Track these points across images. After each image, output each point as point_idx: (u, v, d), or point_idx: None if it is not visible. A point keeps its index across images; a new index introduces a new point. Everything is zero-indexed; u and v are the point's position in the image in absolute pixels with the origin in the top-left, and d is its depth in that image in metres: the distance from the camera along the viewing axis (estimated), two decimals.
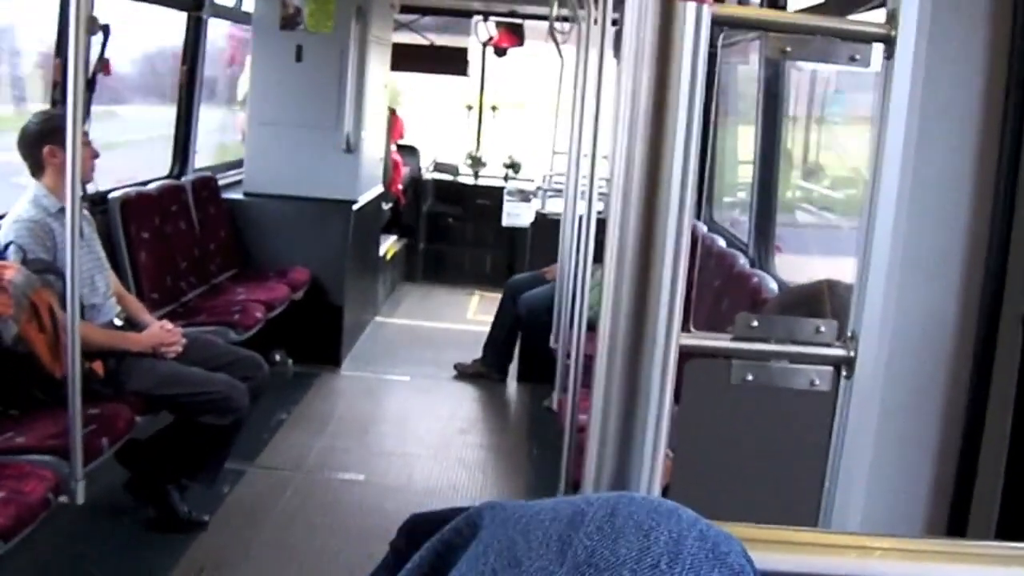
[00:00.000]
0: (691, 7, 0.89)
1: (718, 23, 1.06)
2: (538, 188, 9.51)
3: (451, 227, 11.54)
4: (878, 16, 1.62)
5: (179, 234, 6.68)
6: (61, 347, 4.00)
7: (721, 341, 1.66)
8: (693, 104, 0.83)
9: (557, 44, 6.96)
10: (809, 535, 0.93)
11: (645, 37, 0.85)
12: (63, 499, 3.77)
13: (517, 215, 10.41)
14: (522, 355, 7.79)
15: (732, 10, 1.16)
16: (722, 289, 5.70)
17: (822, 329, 1.62)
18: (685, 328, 1.53)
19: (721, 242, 6.44)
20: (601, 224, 2.65)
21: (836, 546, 0.92)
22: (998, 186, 1.73)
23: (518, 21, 10.65)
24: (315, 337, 7.73)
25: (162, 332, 4.92)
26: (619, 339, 0.85)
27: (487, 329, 8.01)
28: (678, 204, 0.82)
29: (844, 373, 1.70)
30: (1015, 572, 0.88)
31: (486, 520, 0.67)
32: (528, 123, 12.25)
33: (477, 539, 0.66)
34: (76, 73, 3.52)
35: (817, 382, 1.63)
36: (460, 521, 0.68)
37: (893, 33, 1.57)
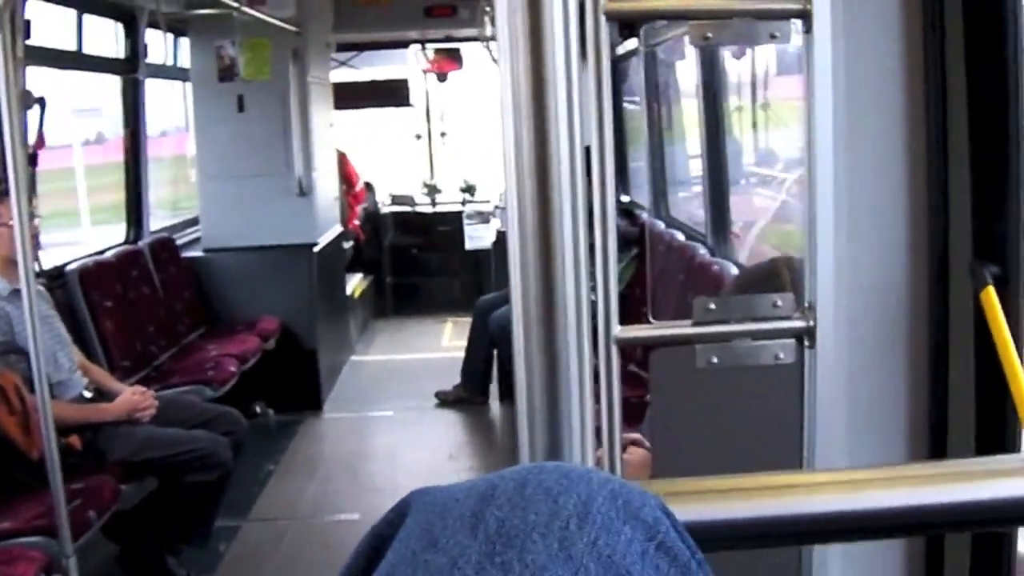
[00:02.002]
0: None
1: (611, 17, 1.08)
2: (496, 207, 9.53)
3: (415, 258, 11.53)
4: None
5: (143, 298, 6.65)
6: (33, 427, 3.99)
7: (682, 328, 1.68)
8: (573, 94, 0.84)
9: (496, 63, 6.99)
10: (754, 479, 0.93)
11: (516, 29, 0.86)
12: None
13: (479, 237, 10.43)
14: (500, 374, 7.80)
15: (624, 3, 1.18)
16: (686, 281, 5.73)
17: (779, 303, 1.64)
18: (645, 320, 1.54)
19: (680, 236, 6.47)
20: None
21: (785, 487, 0.93)
22: (930, 145, 1.76)
23: (455, 46, 10.68)
24: (293, 384, 7.70)
25: (134, 397, 4.89)
26: (533, 344, 0.86)
27: (463, 354, 8.02)
28: (570, 197, 0.84)
29: (806, 343, 1.71)
30: (989, 486, 0.89)
31: (412, 507, 0.67)
32: (480, 144, 12.26)
33: (404, 526, 0.66)
34: (15, 149, 3.50)
35: (781, 356, 1.64)
36: (391, 511, 0.69)
37: (809, 7, 1.59)
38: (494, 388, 7.88)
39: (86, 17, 6.32)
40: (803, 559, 1.65)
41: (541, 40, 0.81)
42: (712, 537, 0.88)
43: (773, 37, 1.56)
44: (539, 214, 0.82)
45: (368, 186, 11.29)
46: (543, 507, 0.61)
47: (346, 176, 9.93)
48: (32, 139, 5.11)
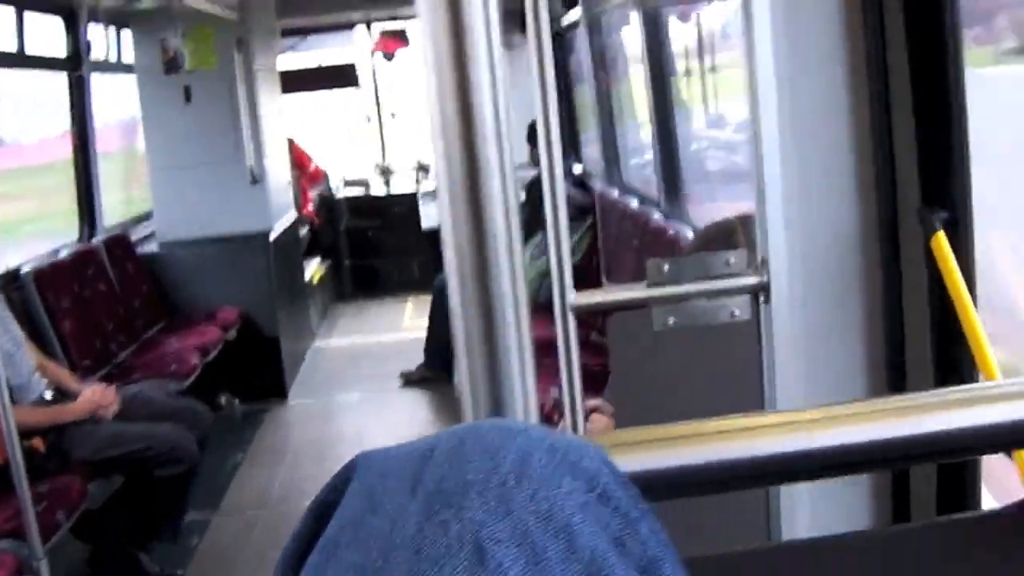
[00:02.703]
0: None
1: None
2: None
3: (372, 240, 11.51)
4: None
5: (100, 296, 6.60)
6: None
7: (637, 292, 1.68)
8: (496, 69, 0.83)
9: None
10: (712, 424, 0.94)
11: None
12: None
13: (435, 216, 10.39)
14: None
15: None
16: (641, 246, 5.75)
17: (732, 260, 1.65)
18: (598, 285, 1.54)
19: (635, 202, 6.49)
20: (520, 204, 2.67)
21: (745, 428, 0.94)
22: (872, 96, 1.77)
23: (401, 26, 10.64)
24: (257, 373, 7.68)
25: (95, 395, 4.86)
26: (472, 320, 0.86)
27: (425, 334, 8.02)
28: (497, 166, 0.83)
29: (762, 299, 1.73)
30: (950, 417, 0.90)
31: (357, 471, 0.67)
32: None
33: (347, 491, 0.66)
34: None
35: (737, 312, 1.65)
36: (335, 477, 0.69)
37: None
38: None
39: (26, 14, 6.25)
40: (770, 500, 1.66)
41: (460, 13, 0.81)
42: (674, 484, 0.89)
43: None
44: (467, 184, 0.82)
45: (321, 171, 11.25)
46: (481, 464, 0.61)
47: (297, 161, 9.88)
48: None
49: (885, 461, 1.01)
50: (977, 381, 1.70)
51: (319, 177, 10.74)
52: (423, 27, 0.82)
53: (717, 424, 0.94)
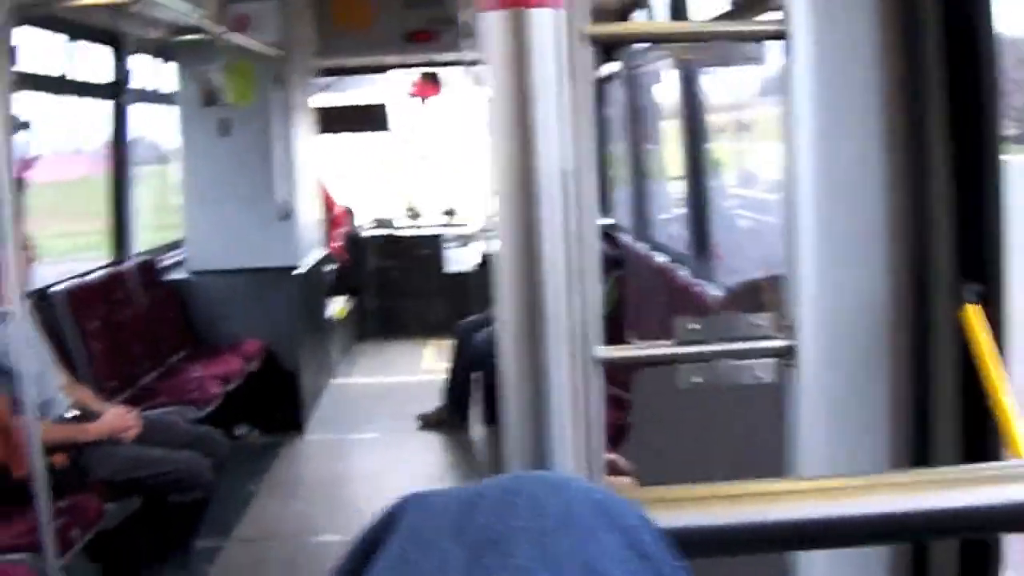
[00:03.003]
0: (545, 15, 0.92)
1: (592, 41, 1.10)
2: (481, 230, 9.55)
3: (396, 281, 11.53)
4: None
5: (128, 320, 6.65)
6: (16, 446, 3.99)
7: (663, 348, 1.69)
8: (564, 115, 0.86)
9: (480, 85, 7.00)
10: (739, 487, 0.95)
11: (499, 49, 0.87)
12: None
13: (460, 260, 10.44)
14: (484, 396, 7.80)
15: (605, 26, 1.20)
16: (668, 302, 5.75)
17: (760, 323, 1.66)
18: (625, 340, 1.55)
19: (662, 258, 6.50)
20: None
21: (768, 494, 0.95)
22: (910, 163, 1.78)
23: (434, 71, 10.72)
24: (275, 406, 7.71)
25: (117, 417, 4.89)
26: (519, 356, 0.88)
27: (444, 377, 8.02)
28: (561, 215, 0.85)
29: (787, 362, 1.73)
30: (973, 493, 0.91)
31: (403, 512, 0.69)
32: (460, 167, 12.29)
33: (395, 530, 0.68)
34: (3, 174, 3.52)
35: (762, 375, 1.66)
36: (383, 515, 0.70)
37: (786, 28, 1.62)
38: (476, 411, 7.89)
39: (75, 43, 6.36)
40: (788, 564, 1.66)
41: (525, 62, 0.83)
42: (697, 543, 0.90)
43: (751, 59, 1.59)
44: (524, 235, 0.84)
45: (348, 210, 11.30)
46: (527, 513, 0.63)
47: (323, 203, 9.94)
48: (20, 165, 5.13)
49: (906, 533, 1.02)
50: (1004, 459, 1.71)
51: (341, 223, 10.78)
52: (490, 70, 0.84)
53: (740, 487, 0.95)
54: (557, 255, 0.87)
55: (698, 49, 1.57)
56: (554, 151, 0.86)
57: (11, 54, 4.91)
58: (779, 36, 1.60)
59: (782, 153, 1.67)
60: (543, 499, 0.64)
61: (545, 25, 0.93)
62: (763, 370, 1.67)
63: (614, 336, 1.76)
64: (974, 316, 1.72)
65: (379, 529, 0.69)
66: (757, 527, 0.91)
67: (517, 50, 0.88)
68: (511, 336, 0.86)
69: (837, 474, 1.51)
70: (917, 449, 1.85)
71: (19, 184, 5.14)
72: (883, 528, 0.93)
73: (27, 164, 5.25)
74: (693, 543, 0.90)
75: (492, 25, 0.89)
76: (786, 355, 1.72)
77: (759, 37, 1.59)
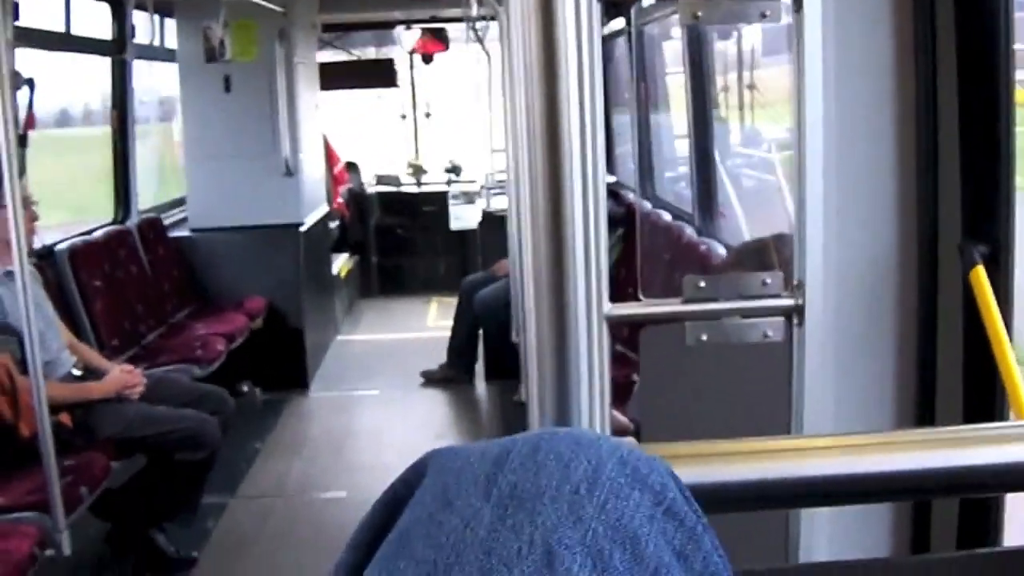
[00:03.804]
0: None
1: None
2: (482, 188, 9.53)
3: (400, 238, 11.53)
4: None
5: (131, 278, 6.66)
6: (23, 406, 4.00)
7: (671, 306, 1.69)
8: (583, 72, 0.86)
9: (481, 43, 6.98)
10: (747, 444, 0.95)
11: (529, 9, 0.88)
12: (49, 552, 3.77)
13: (464, 217, 10.43)
14: (486, 353, 7.82)
15: None
16: (673, 260, 5.76)
17: (768, 281, 1.66)
18: (635, 298, 1.56)
19: (667, 216, 6.50)
20: None
21: (778, 450, 0.95)
22: (919, 125, 1.78)
23: (441, 26, 10.67)
24: (279, 363, 7.72)
25: (123, 375, 4.90)
26: (542, 316, 0.88)
27: (448, 334, 8.04)
28: (582, 176, 0.86)
29: (795, 321, 1.73)
30: (977, 452, 0.91)
31: (429, 468, 0.69)
32: (464, 124, 12.26)
33: (420, 487, 0.68)
34: (6, 131, 3.51)
35: (770, 333, 1.66)
36: (408, 471, 0.71)
37: None
38: (480, 367, 7.91)
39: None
40: (791, 523, 1.67)
41: (551, 19, 0.83)
42: (702, 499, 0.91)
43: (763, 16, 1.58)
44: (550, 191, 0.84)
45: (353, 166, 11.27)
46: (554, 472, 0.63)
47: (326, 158, 9.92)
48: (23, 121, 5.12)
49: (908, 492, 1.02)
50: (1007, 418, 1.71)
51: (345, 180, 10.76)
52: (513, 21, 0.84)
53: (746, 444, 0.96)
54: (578, 211, 0.88)
55: (708, 7, 1.56)
56: (575, 108, 0.86)
57: (13, 9, 4.90)
58: None
59: (792, 112, 1.66)
60: (570, 457, 0.64)
61: None
62: (771, 328, 1.68)
63: (616, 294, 1.75)
64: (980, 277, 1.72)
65: (406, 482, 0.70)
66: (762, 484, 0.92)
67: (543, 6, 0.88)
68: (535, 292, 0.86)
69: (842, 432, 1.52)
70: (922, 407, 1.86)
71: (21, 141, 5.14)
72: (887, 486, 0.93)
73: (29, 121, 5.23)
74: (698, 499, 0.90)
75: None
76: (794, 314, 1.72)
77: None
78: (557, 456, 0.65)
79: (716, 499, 0.92)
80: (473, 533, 0.61)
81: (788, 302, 1.68)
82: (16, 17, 5.09)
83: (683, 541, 0.63)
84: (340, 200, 10.38)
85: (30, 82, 5.09)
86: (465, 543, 0.61)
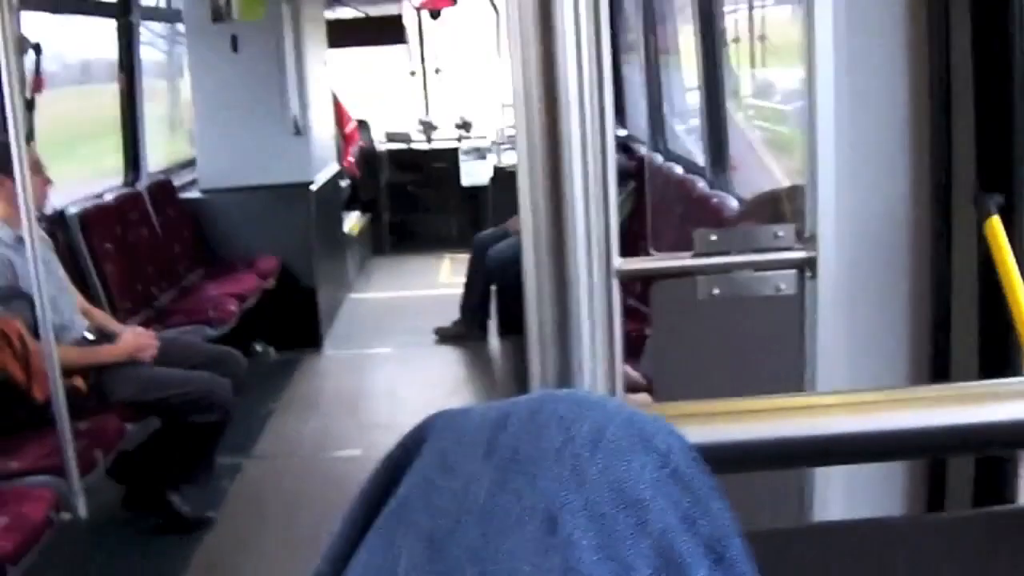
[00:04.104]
0: None
1: None
2: (493, 143, 9.50)
3: (412, 195, 11.51)
4: None
5: (142, 240, 6.66)
6: (36, 371, 4.01)
7: (682, 260, 1.68)
8: (581, 21, 0.84)
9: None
10: (768, 401, 0.94)
11: None
12: (66, 516, 3.78)
13: (476, 173, 10.41)
14: (499, 310, 7.82)
15: None
16: (684, 213, 5.73)
17: (780, 234, 1.64)
18: (646, 252, 1.54)
19: (678, 169, 6.46)
20: None
21: (789, 408, 0.94)
22: (933, 75, 1.75)
23: None
24: (292, 322, 7.73)
25: (136, 338, 4.91)
26: (543, 269, 0.87)
27: (461, 291, 8.04)
28: (579, 129, 0.84)
29: (808, 274, 1.71)
30: (994, 409, 0.90)
31: (430, 432, 0.68)
32: (474, 80, 12.20)
33: (420, 452, 0.67)
34: (13, 95, 3.49)
35: (782, 286, 1.64)
36: (407, 437, 0.69)
37: None
38: (493, 324, 7.91)
39: None
40: (806, 482, 1.66)
41: None
42: (715, 459, 0.89)
43: None
44: (548, 143, 0.83)
45: (363, 124, 11.24)
46: (556, 434, 0.62)
47: (336, 117, 9.88)
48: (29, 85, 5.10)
49: (923, 450, 1.01)
50: None
51: (355, 138, 10.72)
52: None
53: (758, 403, 0.94)
54: (577, 166, 0.86)
55: None
56: (574, 58, 0.84)
57: None
58: None
59: (803, 63, 1.64)
60: (572, 419, 0.63)
61: None
62: (783, 281, 1.66)
63: (628, 247, 1.74)
64: (996, 228, 1.70)
65: (405, 448, 0.68)
66: (775, 443, 0.90)
67: None
68: (535, 249, 0.85)
69: (856, 388, 1.50)
70: (937, 361, 1.84)
71: (29, 105, 5.12)
72: (902, 444, 0.92)
73: (37, 84, 5.21)
74: (711, 459, 0.89)
75: None
76: (807, 266, 1.71)
77: None
78: (558, 418, 0.63)
79: (728, 459, 0.91)
80: (472, 498, 0.60)
81: (800, 254, 1.67)
82: None
83: (690, 504, 0.61)
84: (351, 159, 10.35)
85: (36, 46, 5.06)
86: (464, 509, 0.60)
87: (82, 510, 3.79)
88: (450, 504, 0.61)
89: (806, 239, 1.69)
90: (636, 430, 0.63)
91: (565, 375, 0.88)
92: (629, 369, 2.98)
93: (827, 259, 1.68)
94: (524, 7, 0.80)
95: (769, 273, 1.65)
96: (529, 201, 0.85)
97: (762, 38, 6.43)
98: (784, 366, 1.86)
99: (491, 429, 0.64)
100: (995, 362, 1.80)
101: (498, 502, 0.59)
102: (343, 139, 9.99)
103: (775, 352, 1.86)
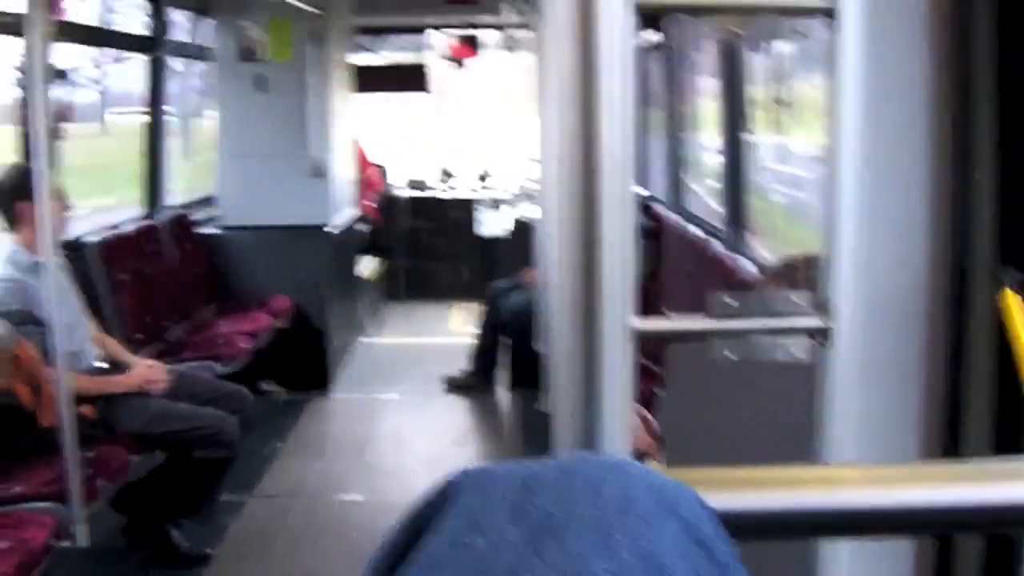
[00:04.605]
0: None
1: (643, 10, 1.09)
2: (514, 195, 9.54)
3: (428, 242, 11.53)
4: None
5: (158, 273, 6.69)
6: (46, 396, 4.03)
7: (698, 322, 1.68)
8: (618, 85, 0.85)
9: (516, 52, 6.96)
10: (784, 472, 0.94)
11: (566, 19, 0.87)
12: (66, 543, 3.78)
13: (492, 224, 10.44)
14: (510, 361, 7.82)
15: None
16: (699, 274, 5.74)
17: (796, 300, 1.65)
18: (660, 312, 1.54)
19: (696, 230, 6.48)
20: None
21: (804, 480, 0.94)
22: (954, 146, 1.76)
23: (472, 33, 10.68)
24: (302, 363, 7.74)
25: (147, 370, 4.93)
26: (572, 327, 0.88)
27: (471, 340, 8.04)
28: (615, 188, 0.85)
29: (822, 342, 1.72)
30: (1007, 488, 0.90)
31: (456, 489, 0.68)
32: (493, 130, 12.27)
33: (447, 509, 0.67)
34: (38, 124, 3.52)
35: (797, 353, 1.65)
36: (432, 492, 0.70)
37: (835, 4, 1.60)
38: (503, 375, 7.91)
39: None
40: (812, 553, 1.65)
41: (591, 32, 0.83)
42: (729, 526, 0.89)
43: (798, 33, 1.56)
44: (583, 202, 0.84)
45: (382, 169, 11.30)
46: (584, 498, 0.63)
47: (357, 161, 9.92)
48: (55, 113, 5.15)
49: (935, 526, 1.01)
50: None
51: (374, 182, 10.75)
52: (550, 29, 0.84)
53: (772, 472, 0.94)
54: (608, 223, 0.87)
55: (744, 22, 1.55)
56: (615, 120, 0.86)
57: (52, 4, 4.93)
58: (827, 12, 1.57)
59: (825, 131, 1.65)
60: (600, 484, 0.64)
61: None
62: (798, 348, 1.66)
63: (645, 307, 1.74)
64: (1013, 302, 1.70)
65: (431, 504, 0.68)
66: (788, 514, 0.90)
67: (584, 19, 0.88)
68: (563, 305, 0.85)
69: (867, 458, 1.50)
70: (948, 437, 1.84)
71: (54, 134, 5.16)
72: (914, 520, 0.92)
73: (63, 113, 5.26)
74: (726, 526, 0.89)
75: None
76: (821, 335, 1.71)
77: (806, 12, 1.57)
78: (587, 482, 0.64)
79: (740, 527, 0.91)
80: (502, 560, 0.61)
81: (815, 322, 1.67)
82: (56, 11, 5.12)
83: (712, 572, 0.62)
84: (369, 203, 10.38)
85: (65, 75, 5.11)
86: (492, 568, 0.60)
87: (82, 539, 3.78)
88: (479, 564, 0.61)
89: (822, 307, 1.69)
90: (663, 496, 0.64)
91: (589, 434, 0.88)
92: (645, 413, 2.99)
93: (842, 328, 1.68)
94: (564, 70, 0.82)
95: (784, 339, 1.65)
96: (560, 255, 0.86)
97: (784, 103, 6.45)
98: (795, 432, 1.86)
99: (520, 489, 0.65)
100: (1009, 440, 1.79)
101: (526, 563, 0.60)
102: (363, 183, 10.03)
103: (786, 417, 1.86)
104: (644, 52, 7.98)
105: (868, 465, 0.92)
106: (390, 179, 11.55)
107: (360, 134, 10.12)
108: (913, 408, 1.80)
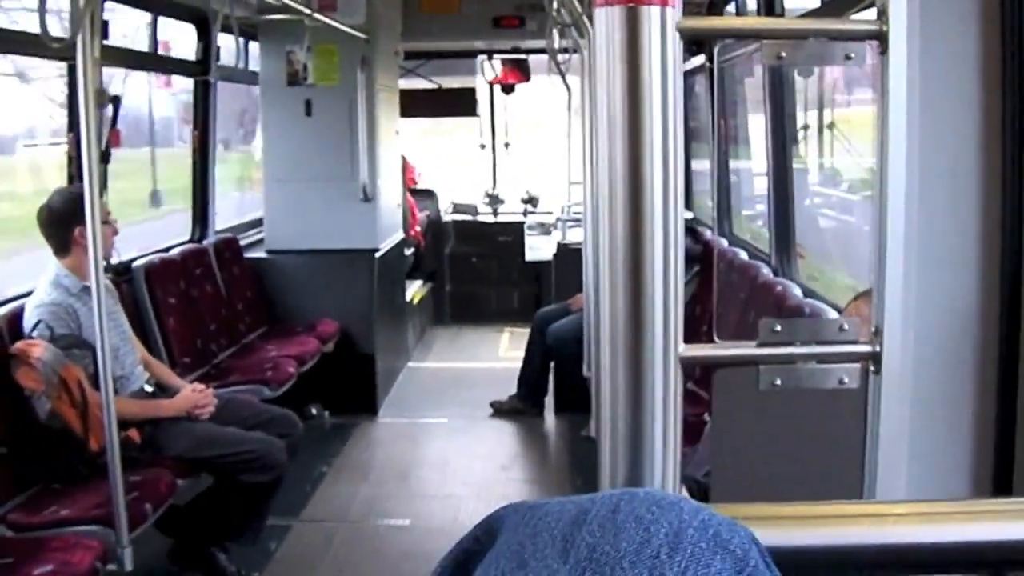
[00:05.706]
0: (655, 11, 0.91)
1: (684, 35, 1.08)
2: (557, 219, 9.53)
3: (475, 267, 11.54)
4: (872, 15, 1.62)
5: (205, 297, 6.73)
6: (93, 420, 4.05)
7: (746, 349, 1.66)
8: (667, 108, 0.84)
9: (563, 75, 6.96)
10: (834, 507, 0.92)
11: (614, 44, 0.87)
12: (111, 567, 3.79)
13: (539, 248, 10.43)
14: (557, 387, 7.80)
15: (697, 21, 1.18)
16: (748, 300, 5.70)
17: (845, 327, 1.62)
18: (709, 339, 1.52)
19: (743, 255, 6.44)
20: None
21: (854, 516, 0.92)
22: (1004, 171, 1.73)
23: (522, 57, 10.70)
24: (349, 387, 7.75)
25: (194, 394, 4.94)
26: (619, 354, 0.86)
27: (519, 365, 8.02)
28: (662, 214, 0.84)
29: (872, 368, 1.69)
30: None
31: (503, 525, 0.67)
32: (542, 155, 12.27)
33: (494, 545, 0.66)
34: (90, 147, 3.55)
35: (846, 380, 1.62)
36: (478, 528, 0.69)
37: (885, 28, 1.58)
38: (550, 401, 7.88)
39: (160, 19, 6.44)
40: None
41: (639, 57, 0.82)
42: (779, 562, 0.88)
43: (848, 59, 1.54)
44: (631, 228, 0.83)
45: (430, 193, 11.33)
46: (634, 535, 0.61)
47: (404, 186, 9.96)
48: (105, 137, 5.19)
49: (987, 564, 0.99)
50: None
51: (422, 207, 10.77)
52: (597, 54, 0.83)
53: (822, 508, 0.93)
54: (658, 249, 0.86)
55: (791, 47, 1.53)
56: (663, 144, 0.85)
57: (102, 28, 4.98)
58: (876, 36, 1.55)
59: (875, 155, 1.62)
60: (650, 520, 0.62)
61: (655, 21, 0.92)
62: (847, 375, 1.63)
63: (689, 331, 1.72)
64: None
65: (477, 539, 0.67)
66: (838, 550, 0.89)
67: (631, 43, 0.87)
68: (611, 332, 0.84)
69: (917, 487, 1.47)
70: (999, 465, 1.81)
71: (103, 157, 5.21)
72: (965, 557, 0.90)
73: (114, 138, 5.31)
74: (776, 562, 0.87)
75: (607, 21, 0.89)
76: (871, 361, 1.68)
77: (855, 36, 1.55)
78: (637, 518, 0.63)
79: (790, 563, 0.89)
80: None
81: (865, 348, 1.64)
82: (105, 36, 5.17)
83: None
84: (419, 228, 10.40)
85: (116, 99, 5.16)
86: None
87: (128, 563, 3.79)
88: None
89: (872, 333, 1.67)
90: (713, 533, 0.63)
91: (637, 465, 0.87)
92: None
93: (892, 355, 1.65)
94: (612, 94, 0.81)
95: (833, 366, 1.63)
96: (608, 281, 0.84)
97: (831, 127, 6.42)
98: (844, 461, 1.83)
99: (569, 525, 0.63)
100: None
101: None
102: (410, 207, 10.06)
103: (835, 446, 1.83)
104: (691, 75, 7.97)
105: (917, 501, 0.90)
106: (438, 203, 11.58)
107: (408, 158, 10.15)
108: (963, 437, 1.77)
